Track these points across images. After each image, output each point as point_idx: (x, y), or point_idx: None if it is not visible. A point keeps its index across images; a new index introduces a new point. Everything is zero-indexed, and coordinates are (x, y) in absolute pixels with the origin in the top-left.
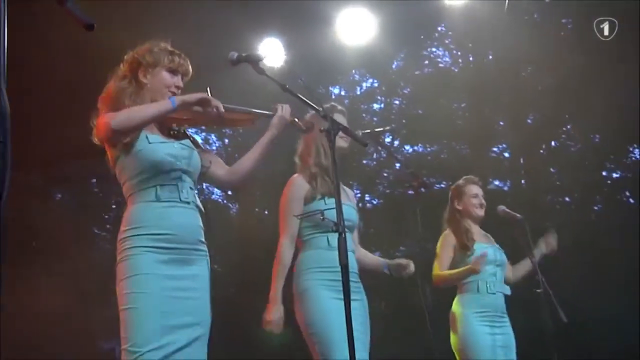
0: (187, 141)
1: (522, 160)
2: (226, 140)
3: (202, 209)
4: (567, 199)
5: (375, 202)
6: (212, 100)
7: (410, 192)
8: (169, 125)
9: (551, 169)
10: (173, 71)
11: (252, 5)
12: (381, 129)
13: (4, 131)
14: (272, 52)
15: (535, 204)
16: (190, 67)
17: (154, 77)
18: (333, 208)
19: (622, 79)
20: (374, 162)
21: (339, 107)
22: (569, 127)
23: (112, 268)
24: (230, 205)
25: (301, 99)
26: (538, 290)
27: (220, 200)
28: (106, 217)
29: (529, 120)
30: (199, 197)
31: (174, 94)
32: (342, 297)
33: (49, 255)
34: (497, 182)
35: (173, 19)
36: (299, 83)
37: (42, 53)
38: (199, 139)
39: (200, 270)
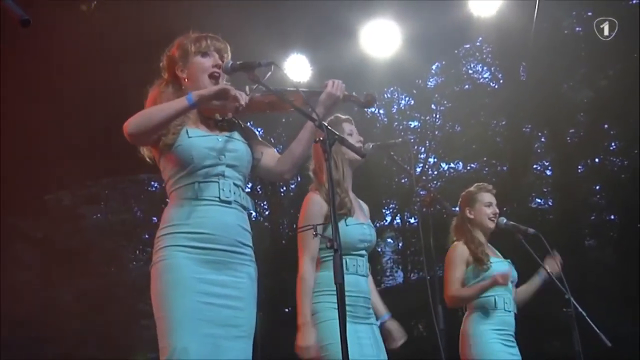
0: (235, 133)
1: (563, 178)
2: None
3: (249, 207)
4: (612, 216)
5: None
6: (231, 90)
7: (423, 208)
8: (210, 116)
9: (595, 187)
10: (205, 54)
11: (276, 20)
12: (393, 141)
13: None
14: (297, 67)
15: (579, 221)
16: (223, 43)
17: (188, 67)
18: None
19: None
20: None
21: (344, 117)
22: (612, 144)
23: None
24: None
25: (296, 107)
26: (567, 310)
27: None
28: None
29: (568, 138)
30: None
31: (215, 75)
32: (354, 321)
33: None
34: (538, 200)
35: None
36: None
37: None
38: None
39: (243, 277)
